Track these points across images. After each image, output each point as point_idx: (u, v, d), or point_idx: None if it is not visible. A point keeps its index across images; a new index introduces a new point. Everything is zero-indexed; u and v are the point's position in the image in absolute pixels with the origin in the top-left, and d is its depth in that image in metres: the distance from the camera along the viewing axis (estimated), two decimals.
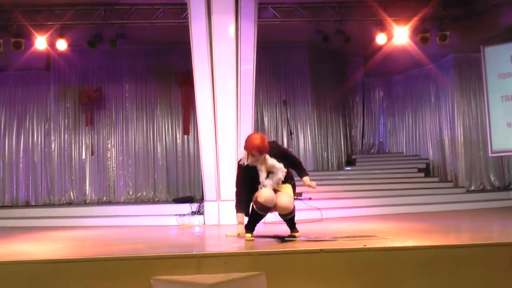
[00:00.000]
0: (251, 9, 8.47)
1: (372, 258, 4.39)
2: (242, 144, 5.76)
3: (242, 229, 5.69)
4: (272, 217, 7.72)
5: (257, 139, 5.54)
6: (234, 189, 5.80)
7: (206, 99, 8.45)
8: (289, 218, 5.75)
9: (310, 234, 5.95)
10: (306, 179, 5.79)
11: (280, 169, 5.62)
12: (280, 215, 5.76)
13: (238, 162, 5.82)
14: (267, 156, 5.62)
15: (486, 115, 11.75)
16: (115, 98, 12.53)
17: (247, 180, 5.67)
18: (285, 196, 5.59)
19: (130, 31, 10.56)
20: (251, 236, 5.68)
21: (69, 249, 5.66)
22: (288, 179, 5.76)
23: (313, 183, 5.76)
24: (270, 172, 5.61)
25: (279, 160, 5.63)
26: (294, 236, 5.68)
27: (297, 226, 5.85)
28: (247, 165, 5.66)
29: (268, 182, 5.59)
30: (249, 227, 5.78)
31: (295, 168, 5.89)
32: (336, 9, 10.52)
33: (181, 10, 9.91)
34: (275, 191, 5.60)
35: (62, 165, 12.26)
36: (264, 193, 5.48)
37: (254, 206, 5.67)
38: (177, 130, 12.55)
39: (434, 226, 7.03)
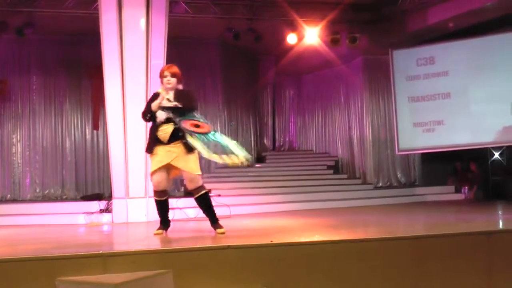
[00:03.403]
0: (162, 3, 8.34)
1: (280, 254, 4.43)
2: None
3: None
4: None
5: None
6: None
7: (116, 93, 8.22)
8: (200, 197, 5.65)
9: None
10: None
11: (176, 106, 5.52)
12: (191, 194, 5.76)
13: None
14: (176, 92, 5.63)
15: (394, 115, 12.22)
16: (22, 90, 11.89)
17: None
18: (188, 168, 5.55)
19: (38, 20, 10.08)
20: (160, 230, 5.76)
21: None
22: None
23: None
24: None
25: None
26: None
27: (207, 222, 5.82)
28: (157, 93, 5.66)
29: (161, 114, 5.50)
30: (162, 221, 5.83)
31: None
32: (247, 7, 10.59)
33: (92, 1, 9.61)
34: (172, 168, 5.58)
35: None
36: (153, 178, 5.60)
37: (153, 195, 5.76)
38: (87, 125, 12.12)
39: (342, 221, 7.23)
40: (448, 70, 11.55)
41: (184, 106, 5.50)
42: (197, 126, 5.47)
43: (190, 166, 5.55)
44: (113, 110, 8.28)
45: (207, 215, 5.78)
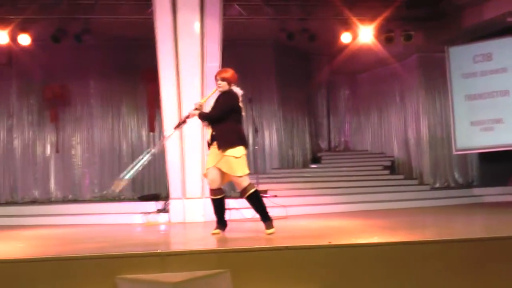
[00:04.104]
0: (216, 6, 8.43)
1: (337, 255, 4.39)
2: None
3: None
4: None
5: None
6: None
7: (171, 96, 8.37)
8: (248, 197, 5.68)
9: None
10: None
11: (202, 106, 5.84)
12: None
13: None
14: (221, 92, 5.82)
15: (451, 114, 11.96)
16: (80, 94, 12.34)
17: None
18: (231, 170, 5.62)
19: (95, 26, 10.42)
20: (218, 230, 5.87)
21: (33, 249, 5.55)
22: (227, 142, 5.66)
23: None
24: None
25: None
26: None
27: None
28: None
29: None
30: (219, 221, 5.93)
31: None
32: (300, 7, 10.57)
33: (146, 6, 9.79)
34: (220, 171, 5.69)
35: (26, 162, 12.05)
36: (207, 177, 5.81)
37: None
38: (143, 127, 12.44)
39: (399, 222, 7.11)
40: (507, 67, 11.23)
41: (200, 113, 5.82)
42: None
43: (232, 168, 5.61)
44: (169, 112, 8.41)
45: (258, 214, 5.81)
